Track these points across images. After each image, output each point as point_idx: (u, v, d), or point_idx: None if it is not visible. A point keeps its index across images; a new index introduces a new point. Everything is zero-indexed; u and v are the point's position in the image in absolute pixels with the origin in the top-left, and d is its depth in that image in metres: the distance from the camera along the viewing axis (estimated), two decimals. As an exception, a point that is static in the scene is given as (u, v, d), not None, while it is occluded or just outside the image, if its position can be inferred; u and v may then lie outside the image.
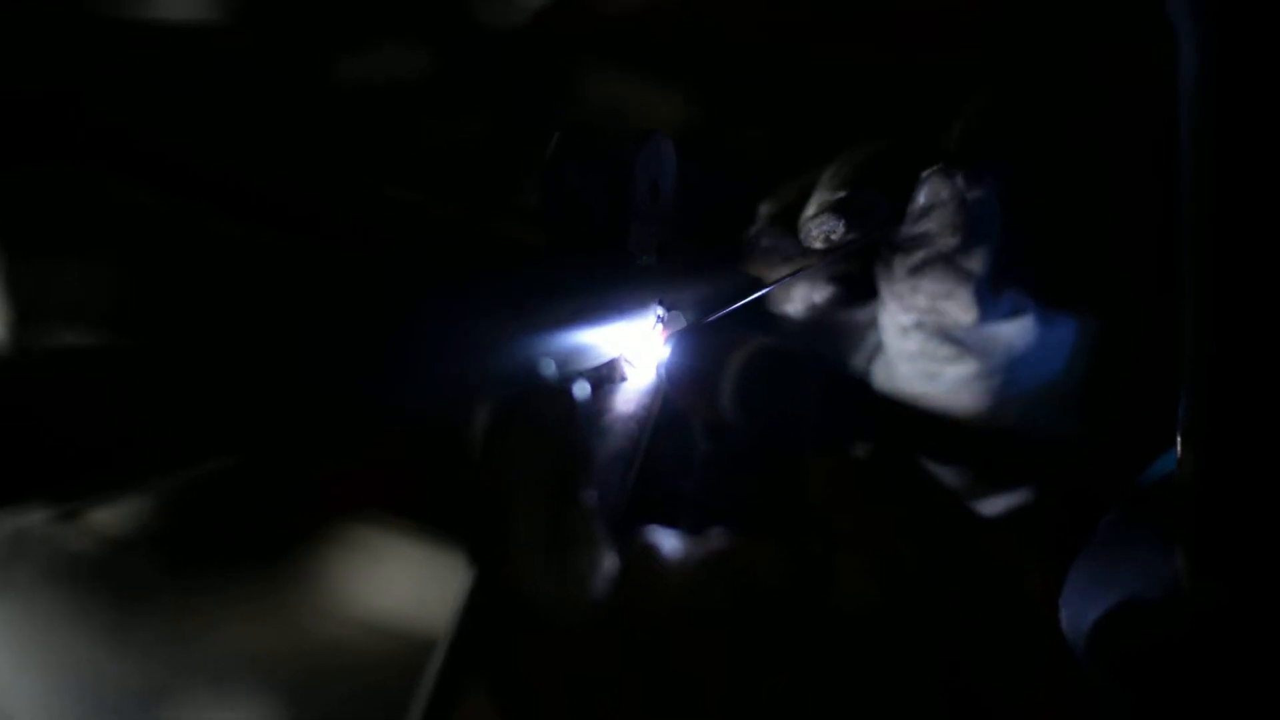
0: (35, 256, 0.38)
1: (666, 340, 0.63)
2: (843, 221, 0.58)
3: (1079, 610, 0.53)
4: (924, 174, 0.57)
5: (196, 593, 0.40)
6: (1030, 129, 0.60)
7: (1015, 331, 0.60)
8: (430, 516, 0.50)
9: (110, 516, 0.39)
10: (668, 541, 0.53)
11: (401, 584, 0.45)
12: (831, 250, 0.59)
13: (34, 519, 0.36)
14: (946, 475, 0.65)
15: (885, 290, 0.61)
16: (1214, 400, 0.45)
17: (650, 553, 0.52)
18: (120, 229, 0.40)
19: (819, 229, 0.58)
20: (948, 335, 0.60)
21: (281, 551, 0.42)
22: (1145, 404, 0.55)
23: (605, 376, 0.62)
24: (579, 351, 0.60)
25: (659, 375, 0.63)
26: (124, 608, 0.39)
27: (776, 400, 0.63)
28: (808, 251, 0.59)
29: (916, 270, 0.59)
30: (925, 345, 0.60)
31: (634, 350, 0.62)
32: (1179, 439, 0.46)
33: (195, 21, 0.43)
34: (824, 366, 0.65)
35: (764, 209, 0.62)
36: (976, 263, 0.58)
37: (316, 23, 0.47)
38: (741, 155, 0.63)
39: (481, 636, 0.48)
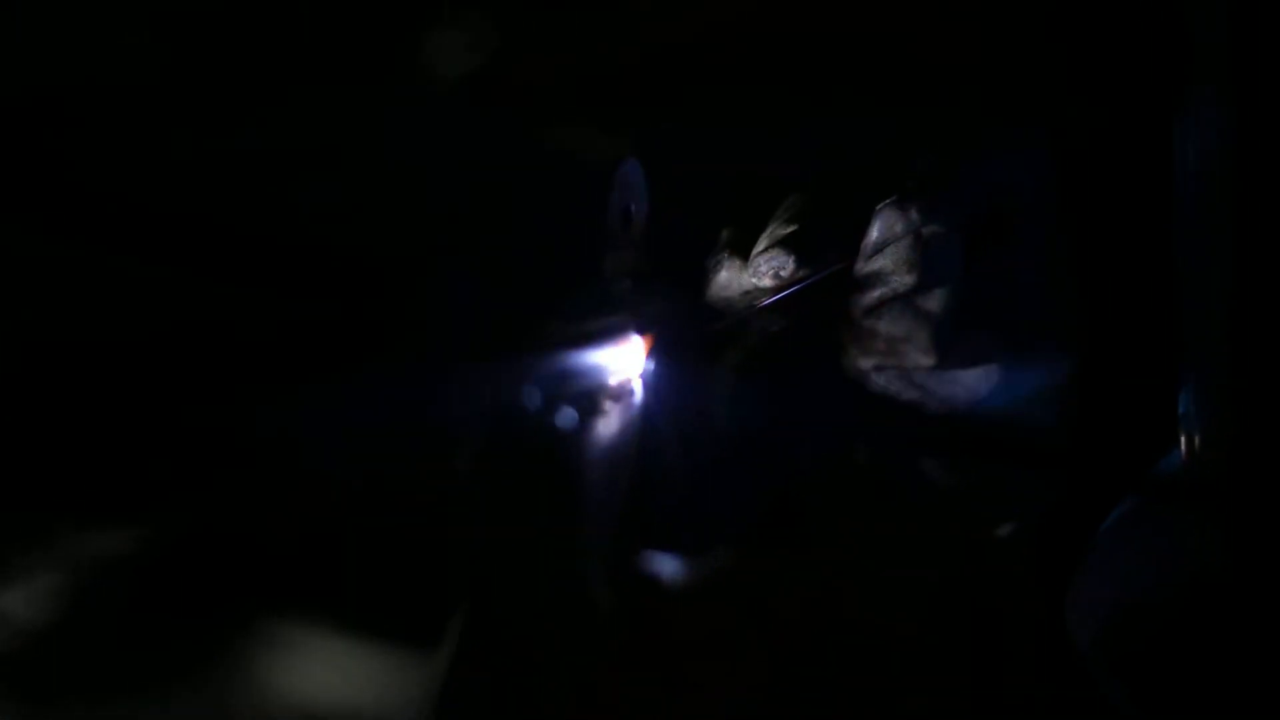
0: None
1: (647, 360, 0.63)
2: (792, 257, 0.56)
3: (1087, 612, 0.50)
4: (878, 207, 0.54)
5: (133, 690, 0.39)
6: (1002, 161, 0.55)
7: (979, 379, 0.55)
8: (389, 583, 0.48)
9: (32, 609, 0.39)
10: (669, 566, 0.53)
11: (345, 682, 0.44)
12: (782, 286, 0.57)
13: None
14: (943, 479, 0.60)
15: (845, 333, 0.58)
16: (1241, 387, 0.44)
17: (652, 584, 0.52)
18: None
19: (768, 264, 0.57)
20: (909, 380, 0.56)
21: (222, 645, 0.41)
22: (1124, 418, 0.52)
23: (589, 404, 0.63)
24: (562, 379, 0.61)
25: (640, 396, 0.63)
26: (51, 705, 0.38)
27: (772, 399, 0.60)
28: (760, 286, 0.57)
29: (874, 310, 0.55)
30: (886, 390, 0.57)
31: (615, 375, 0.63)
32: (1182, 436, 0.45)
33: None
34: (819, 366, 0.62)
35: (724, 235, 0.60)
36: (936, 303, 0.54)
37: (273, 74, 0.50)
38: (708, 183, 0.61)
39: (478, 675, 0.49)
